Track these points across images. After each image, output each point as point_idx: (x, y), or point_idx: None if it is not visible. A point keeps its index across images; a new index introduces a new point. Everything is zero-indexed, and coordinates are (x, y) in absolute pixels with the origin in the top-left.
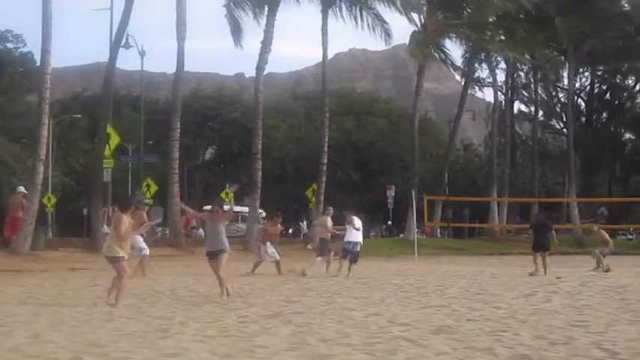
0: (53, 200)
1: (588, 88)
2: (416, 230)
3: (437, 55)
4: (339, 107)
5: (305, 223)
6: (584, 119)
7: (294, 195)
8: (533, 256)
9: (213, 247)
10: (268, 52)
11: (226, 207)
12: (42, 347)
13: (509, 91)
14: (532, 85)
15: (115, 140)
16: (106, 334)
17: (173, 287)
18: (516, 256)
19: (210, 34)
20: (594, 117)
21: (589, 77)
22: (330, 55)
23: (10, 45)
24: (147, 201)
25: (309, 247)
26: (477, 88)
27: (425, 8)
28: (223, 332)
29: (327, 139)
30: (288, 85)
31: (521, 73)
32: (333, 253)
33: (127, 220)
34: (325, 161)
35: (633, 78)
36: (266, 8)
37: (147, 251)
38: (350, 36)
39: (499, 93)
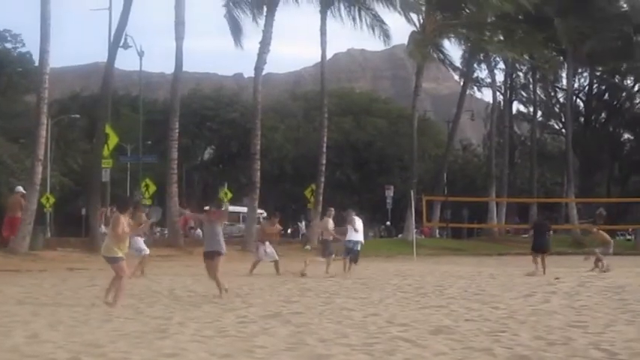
0: (52, 200)
1: (587, 88)
2: (414, 230)
3: (435, 56)
4: (338, 107)
5: (303, 223)
6: (582, 119)
7: (292, 195)
8: (533, 256)
9: (210, 247)
10: (267, 52)
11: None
12: (40, 347)
13: (508, 92)
14: (531, 86)
15: (113, 140)
16: (104, 334)
17: (171, 287)
18: (514, 256)
19: (209, 34)
20: (593, 117)
21: (588, 77)
22: (329, 55)
23: (8, 45)
24: (146, 203)
25: (308, 247)
26: (475, 88)
27: (423, 8)
28: (222, 332)
29: (325, 139)
30: (287, 85)
31: (520, 74)
32: (333, 255)
33: (124, 220)
34: (324, 161)
35: (632, 78)
36: (265, 8)
37: (147, 251)
38: (349, 36)
39: (498, 93)
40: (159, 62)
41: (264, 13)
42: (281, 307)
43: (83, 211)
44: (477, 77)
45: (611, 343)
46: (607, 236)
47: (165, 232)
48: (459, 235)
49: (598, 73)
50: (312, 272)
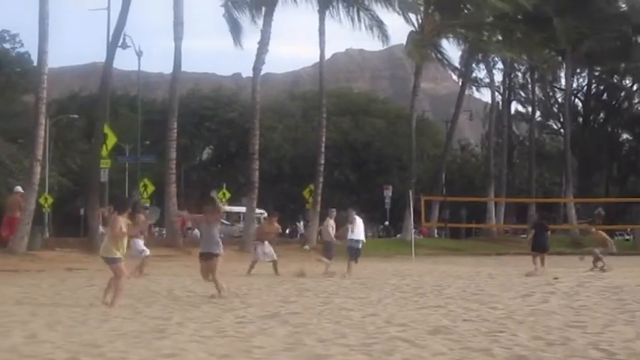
0: (50, 200)
1: (585, 88)
2: (413, 230)
3: (434, 56)
4: (337, 107)
5: (302, 223)
6: (581, 119)
7: (291, 195)
8: (533, 256)
9: (206, 248)
10: (265, 52)
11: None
12: (39, 347)
13: (507, 92)
14: (529, 86)
15: (112, 140)
16: (102, 335)
17: (170, 287)
18: (513, 256)
19: (208, 34)
20: (591, 117)
21: (586, 77)
22: (328, 55)
23: (7, 45)
24: (147, 205)
25: (307, 247)
26: (474, 88)
27: (422, 9)
28: (220, 333)
29: (324, 139)
30: (286, 85)
31: (519, 74)
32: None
33: (122, 221)
34: (322, 161)
35: (630, 78)
36: (263, 9)
37: (147, 252)
38: (347, 36)
39: (496, 93)
40: (157, 62)
41: (263, 14)
42: (279, 307)
43: (82, 212)
44: (476, 77)
45: (610, 343)
46: (606, 236)
47: (164, 232)
48: (458, 235)
49: (596, 73)
50: (310, 272)
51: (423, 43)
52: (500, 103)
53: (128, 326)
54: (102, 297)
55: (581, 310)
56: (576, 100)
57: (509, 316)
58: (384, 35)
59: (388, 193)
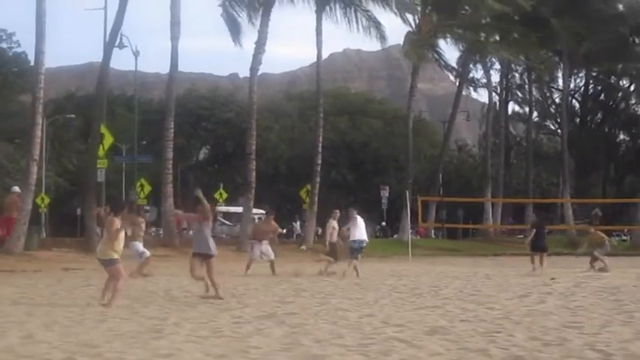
0: (47, 200)
1: (583, 88)
2: (410, 231)
3: (431, 56)
4: (334, 108)
5: (298, 223)
6: (578, 120)
7: (287, 195)
8: (532, 256)
9: (199, 248)
10: (262, 52)
11: None
12: (35, 347)
13: (504, 92)
14: (526, 86)
15: (108, 140)
16: (99, 335)
17: (167, 288)
18: (510, 257)
19: (205, 34)
20: (589, 118)
21: (583, 78)
22: (325, 55)
23: (3, 45)
24: (147, 208)
25: (303, 247)
26: (471, 88)
27: (419, 9)
28: (217, 333)
29: (321, 139)
30: (282, 85)
31: (516, 74)
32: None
33: (118, 222)
34: (319, 162)
35: (628, 79)
36: (260, 9)
37: (147, 254)
38: (344, 36)
39: (493, 94)
40: (154, 62)
41: (260, 14)
42: (276, 307)
43: (78, 212)
44: (473, 78)
45: (607, 344)
46: (604, 235)
47: (160, 232)
48: (455, 236)
49: (594, 74)
50: (306, 272)
51: (421, 44)
52: (498, 103)
53: (125, 326)
54: (100, 298)
55: (578, 311)
56: (573, 100)
57: (506, 316)
58: (382, 36)
59: (385, 193)
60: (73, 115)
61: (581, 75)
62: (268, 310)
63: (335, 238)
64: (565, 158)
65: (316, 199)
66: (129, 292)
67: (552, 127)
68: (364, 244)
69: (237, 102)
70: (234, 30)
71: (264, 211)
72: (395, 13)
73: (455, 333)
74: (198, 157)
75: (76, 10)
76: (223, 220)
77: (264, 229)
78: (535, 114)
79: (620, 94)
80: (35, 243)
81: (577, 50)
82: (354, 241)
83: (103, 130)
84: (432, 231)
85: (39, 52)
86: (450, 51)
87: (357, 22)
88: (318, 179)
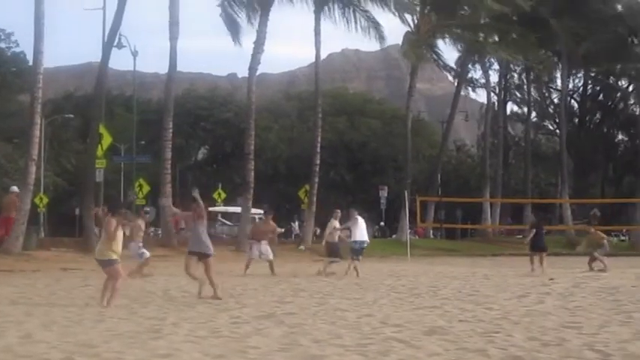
0: (45, 200)
1: (581, 89)
2: (408, 231)
3: (430, 56)
4: (332, 108)
5: (297, 223)
6: (577, 120)
7: (286, 195)
8: (531, 256)
9: (196, 248)
10: (261, 52)
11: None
12: (34, 347)
13: (502, 92)
14: (525, 86)
15: (107, 140)
16: (97, 335)
17: (165, 288)
18: (508, 257)
19: (203, 34)
20: (587, 118)
21: (582, 78)
22: (323, 55)
23: (2, 45)
24: (147, 209)
25: (302, 247)
26: (470, 89)
27: (418, 9)
28: (215, 333)
29: (319, 139)
30: (281, 85)
31: (515, 74)
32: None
33: (115, 222)
34: (318, 162)
35: (626, 79)
36: (259, 9)
37: (147, 254)
38: (343, 36)
39: (492, 94)
40: (153, 62)
41: (259, 14)
42: (275, 307)
43: (77, 212)
44: (472, 78)
45: (605, 344)
46: (604, 235)
47: (159, 232)
48: (453, 236)
49: (592, 74)
50: (305, 272)
51: (419, 44)
52: (496, 103)
53: (123, 326)
54: (99, 299)
55: (577, 311)
56: (572, 100)
57: (504, 316)
58: (381, 36)
59: (384, 193)
60: (72, 115)
61: (579, 75)
62: (267, 310)
63: (336, 238)
64: (564, 158)
65: (315, 199)
66: (127, 292)
67: (551, 128)
68: (365, 245)
69: (235, 102)
70: (233, 30)
71: (262, 211)
72: (393, 14)
73: (453, 333)
74: (197, 157)
75: (74, 10)
76: (224, 221)
77: (264, 229)
78: (534, 114)
79: (618, 95)
80: (34, 243)
81: (576, 50)
82: (355, 241)
83: (102, 130)
84: (431, 231)
85: (37, 52)
86: (448, 51)
87: (355, 22)
88: (316, 179)
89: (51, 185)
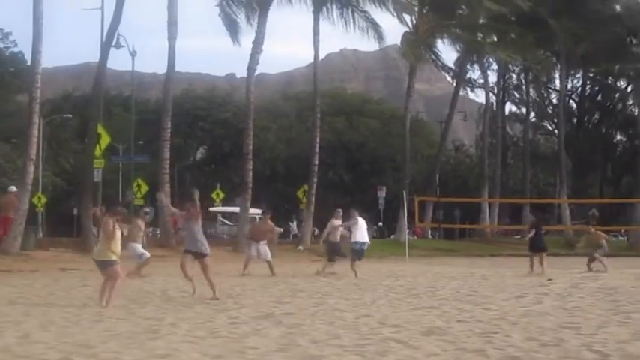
0: (43, 200)
1: (580, 89)
2: (407, 231)
3: (428, 57)
4: (331, 108)
5: (295, 223)
6: (575, 120)
7: (284, 195)
8: (531, 257)
9: (192, 247)
10: (259, 52)
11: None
12: (32, 347)
13: (501, 92)
14: (523, 87)
15: (105, 140)
16: (95, 335)
17: (164, 288)
18: (507, 257)
19: (202, 34)
20: (586, 118)
21: (581, 79)
22: (322, 55)
23: (0, 44)
24: (147, 210)
25: (300, 247)
26: (468, 89)
27: (416, 9)
28: (214, 333)
29: (318, 139)
30: (279, 85)
31: (513, 75)
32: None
33: (112, 222)
34: (316, 162)
35: (625, 80)
36: (257, 9)
37: (147, 255)
38: (341, 37)
39: (490, 94)
40: (151, 62)
41: (257, 14)
42: (273, 307)
43: (75, 212)
44: (470, 78)
45: (604, 345)
46: (604, 235)
47: (157, 232)
48: (452, 236)
49: (591, 75)
50: (303, 272)
51: (418, 44)
52: (495, 103)
53: (121, 326)
54: (98, 298)
55: (575, 312)
56: (570, 101)
57: (502, 317)
58: (379, 36)
59: (382, 193)
60: (70, 115)
61: (578, 75)
62: (265, 310)
63: (338, 237)
64: (562, 159)
65: (313, 199)
66: (125, 292)
67: (549, 128)
68: (365, 246)
69: (234, 102)
70: (232, 30)
71: (260, 211)
72: (392, 14)
73: (451, 333)
74: (195, 157)
75: (73, 10)
76: (224, 221)
77: (262, 229)
78: (532, 114)
79: (617, 95)
80: (32, 243)
81: (574, 51)
82: (356, 242)
83: (100, 130)
84: (429, 231)
85: (36, 52)
86: (447, 51)
87: (354, 22)
88: (315, 179)
89: (49, 185)
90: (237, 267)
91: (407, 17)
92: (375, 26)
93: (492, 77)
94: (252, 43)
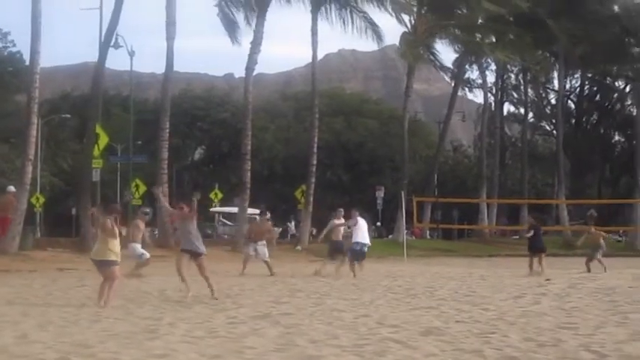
0: (42, 200)
1: (578, 89)
2: (405, 231)
3: (427, 57)
4: (329, 108)
5: (293, 223)
6: (573, 121)
7: (283, 196)
8: (530, 258)
9: (188, 246)
10: (258, 52)
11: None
12: (29, 347)
13: (499, 93)
14: (522, 87)
15: (103, 140)
16: (93, 335)
17: (162, 288)
18: (505, 257)
19: (200, 34)
20: (584, 119)
21: (579, 79)
22: (320, 55)
23: None
24: (147, 210)
25: (299, 247)
26: (467, 89)
27: (415, 9)
28: (212, 333)
29: (316, 139)
30: (277, 85)
31: (512, 75)
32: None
33: (110, 222)
34: (314, 162)
35: (623, 80)
36: (256, 9)
37: (147, 255)
38: (340, 37)
39: (489, 94)
40: (150, 62)
41: (256, 14)
42: (271, 307)
43: (73, 211)
44: (468, 78)
45: (602, 345)
46: (604, 234)
47: (156, 232)
48: (450, 237)
49: (589, 75)
50: (301, 272)
51: (416, 44)
52: (493, 104)
53: (119, 327)
54: (96, 298)
55: (573, 312)
56: (569, 101)
57: (500, 317)
58: (378, 36)
59: (380, 193)
60: (69, 115)
61: (576, 76)
62: (263, 310)
63: (340, 236)
64: (560, 159)
65: (311, 199)
66: (123, 293)
67: (548, 128)
68: (366, 248)
69: (232, 102)
70: (231, 30)
71: (259, 211)
72: (390, 14)
73: (450, 334)
74: (194, 157)
75: (71, 9)
76: (225, 221)
77: (260, 230)
78: (530, 115)
79: (615, 96)
80: (30, 243)
81: (573, 51)
82: (357, 243)
83: (99, 130)
84: (427, 232)
85: (34, 52)
86: (445, 52)
87: (352, 22)
88: (313, 179)
89: (47, 185)
90: (235, 267)
91: (405, 17)
92: (373, 26)
93: (491, 77)
94: (251, 43)
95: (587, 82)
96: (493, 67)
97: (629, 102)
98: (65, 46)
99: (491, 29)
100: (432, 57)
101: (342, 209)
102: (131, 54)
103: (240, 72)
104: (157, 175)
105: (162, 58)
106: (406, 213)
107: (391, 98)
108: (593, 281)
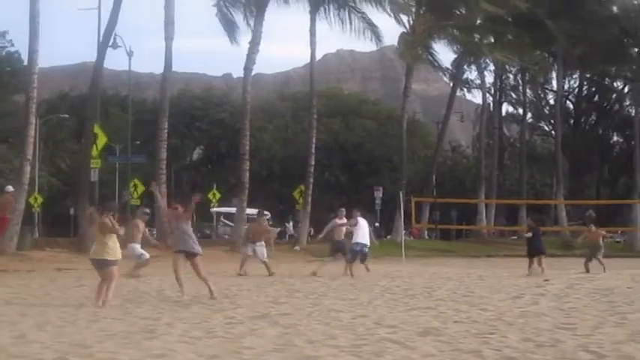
0: (40, 200)
1: (577, 90)
2: (403, 232)
3: (425, 57)
4: (327, 108)
5: (291, 223)
6: (572, 121)
7: (281, 196)
8: (530, 260)
9: (182, 246)
10: (256, 52)
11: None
12: (27, 347)
13: (498, 93)
14: (520, 87)
15: (102, 140)
16: (91, 335)
17: (160, 288)
18: (503, 258)
19: (199, 34)
20: (583, 119)
21: (578, 79)
22: (318, 56)
23: None
24: (147, 210)
25: (297, 248)
26: (465, 89)
27: (413, 10)
28: (210, 333)
29: (314, 140)
30: (276, 85)
31: (510, 75)
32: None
33: (109, 222)
34: (313, 162)
35: (622, 81)
36: (254, 9)
37: (147, 255)
38: (338, 37)
39: (487, 95)
40: (148, 62)
41: (254, 14)
42: (269, 308)
43: (71, 212)
44: (467, 79)
45: (600, 345)
46: (604, 234)
47: (154, 232)
48: (448, 237)
49: (588, 76)
50: (299, 272)
51: (415, 45)
52: (492, 104)
53: (117, 327)
54: (94, 298)
55: (571, 312)
56: (567, 101)
57: (499, 317)
58: (377, 36)
59: (379, 194)
60: (67, 115)
61: (575, 76)
62: (261, 310)
63: (342, 236)
64: (559, 159)
65: (309, 199)
66: (121, 293)
67: (546, 129)
68: (366, 249)
69: (230, 102)
70: (229, 30)
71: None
72: (389, 14)
73: (448, 334)
74: (192, 158)
75: (69, 9)
76: (226, 221)
77: (258, 230)
78: (529, 115)
79: (614, 96)
80: (28, 243)
81: (571, 52)
82: (357, 243)
83: (97, 130)
84: (426, 232)
85: (32, 52)
86: (444, 52)
87: (350, 22)
88: (311, 180)
89: (45, 185)
90: (233, 267)
91: (404, 18)
92: (371, 27)
93: (489, 78)
94: (249, 43)
95: (585, 83)
96: (492, 67)
97: (627, 102)
98: (63, 46)
99: (489, 30)
100: (430, 57)
101: (343, 209)
102: (129, 54)
103: (238, 72)
104: (156, 175)
105: (160, 58)
106: (404, 213)
107: (389, 98)
108: (591, 282)
